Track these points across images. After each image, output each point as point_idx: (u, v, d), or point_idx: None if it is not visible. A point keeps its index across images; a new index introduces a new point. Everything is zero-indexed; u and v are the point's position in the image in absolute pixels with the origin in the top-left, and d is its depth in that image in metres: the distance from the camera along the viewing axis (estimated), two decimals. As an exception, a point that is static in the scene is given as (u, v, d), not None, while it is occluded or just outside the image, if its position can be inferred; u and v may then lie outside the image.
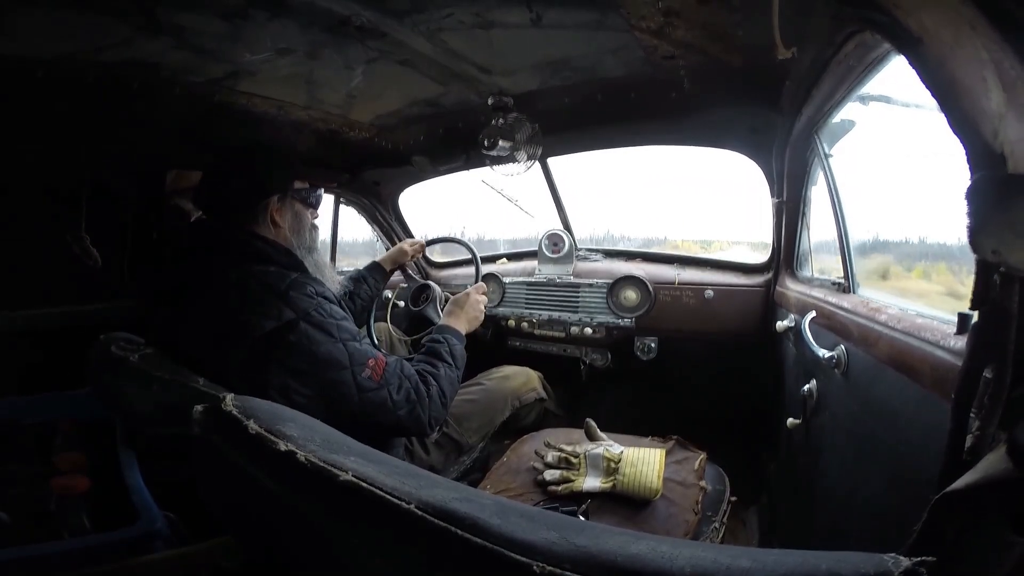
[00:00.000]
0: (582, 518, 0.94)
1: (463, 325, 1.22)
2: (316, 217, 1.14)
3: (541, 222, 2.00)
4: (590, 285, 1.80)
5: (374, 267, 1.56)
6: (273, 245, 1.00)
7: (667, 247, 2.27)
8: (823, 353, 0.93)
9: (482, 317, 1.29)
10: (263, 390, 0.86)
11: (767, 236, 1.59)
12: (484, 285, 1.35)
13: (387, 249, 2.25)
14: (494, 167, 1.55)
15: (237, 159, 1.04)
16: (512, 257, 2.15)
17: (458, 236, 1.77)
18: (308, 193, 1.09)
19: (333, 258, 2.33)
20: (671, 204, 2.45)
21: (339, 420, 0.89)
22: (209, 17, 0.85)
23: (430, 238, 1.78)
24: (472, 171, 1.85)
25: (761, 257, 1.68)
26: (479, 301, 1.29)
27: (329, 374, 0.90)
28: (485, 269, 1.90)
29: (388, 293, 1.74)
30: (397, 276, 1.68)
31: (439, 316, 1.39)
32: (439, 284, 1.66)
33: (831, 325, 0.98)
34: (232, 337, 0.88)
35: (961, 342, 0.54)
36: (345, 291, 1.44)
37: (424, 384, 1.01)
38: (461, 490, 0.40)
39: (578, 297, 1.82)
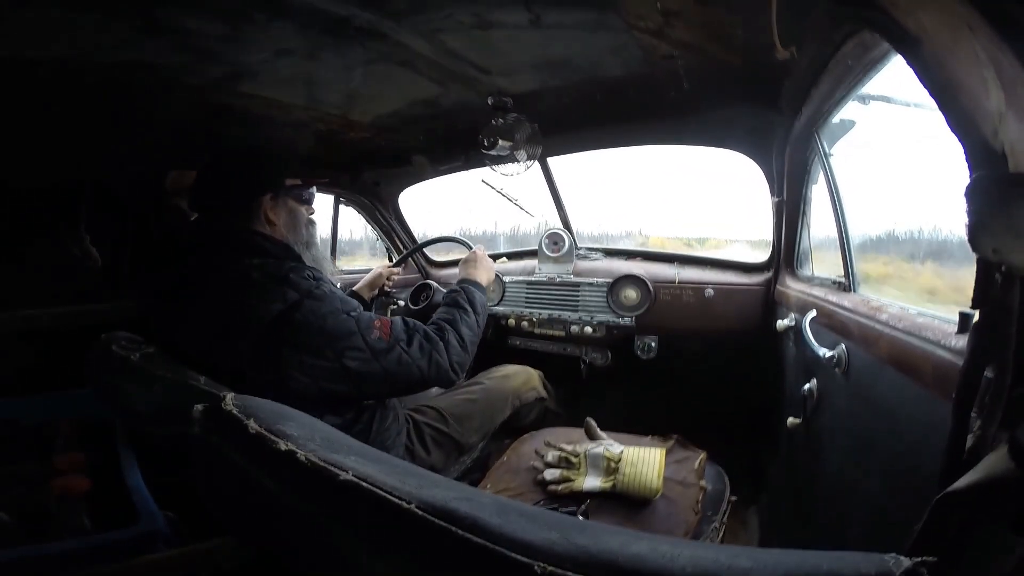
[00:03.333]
0: (582, 518, 0.94)
1: (482, 275, 1.27)
2: (312, 213, 1.15)
3: (541, 220, 2.00)
4: (590, 284, 1.80)
5: (352, 296, 1.56)
6: (271, 240, 1.01)
7: (636, 243, 2.23)
8: (823, 352, 0.93)
9: (494, 269, 1.36)
10: (280, 373, 0.88)
11: (758, 234, 1.59)
12: (483, 246, 1.40)
13: (387, 249, 2.27)
14: (494, 167, 1.55)
15: (228, 159, 1.06)
16: (512, 256, 2.15)
17: (453, 234, 1.78)
18: (301, 190, 1.11)
19: (333, 257, 2.33)
20: (656, 200, 2.40)
21: (367, 388, 0.94)
22: (209, 18, 0.85)
23: (414, 246, 1.80)
24: (472, 171, 1.85)
25: (754, 255, 1.68)
26: (485, 255, 1.36)
27: (341, 343, 0.92)
28: None
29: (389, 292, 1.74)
30: (400, 277, 1.70)
31: None
32: (439, 283, 1.66)
33: (832, 324, 0.98)
34: (239, 327, 0.89)
35: (962, 341, 0.54)
36: None
37: (438, 331, 1.04)
38: (461, 489, 0.40)
39: (578, 296, 1.82)
